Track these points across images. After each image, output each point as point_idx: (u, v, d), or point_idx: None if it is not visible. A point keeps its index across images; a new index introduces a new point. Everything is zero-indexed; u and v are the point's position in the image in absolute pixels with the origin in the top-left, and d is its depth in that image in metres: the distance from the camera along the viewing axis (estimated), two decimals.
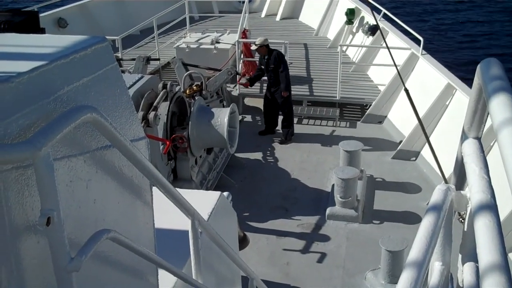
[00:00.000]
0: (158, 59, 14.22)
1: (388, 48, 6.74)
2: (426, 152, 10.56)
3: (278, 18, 20.13)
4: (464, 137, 2.63)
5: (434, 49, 19.35)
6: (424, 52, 12.44)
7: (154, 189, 2.55)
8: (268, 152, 11.54)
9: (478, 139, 2.59)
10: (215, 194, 4.59)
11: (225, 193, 4.91)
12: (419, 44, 12.42)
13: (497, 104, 1.90)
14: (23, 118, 1.58)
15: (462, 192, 2.63)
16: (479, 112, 2.47)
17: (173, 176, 8.90)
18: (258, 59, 12.67)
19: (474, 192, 2.22)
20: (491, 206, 2.09)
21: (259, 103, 12.66)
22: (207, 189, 9.27)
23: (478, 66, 2.34)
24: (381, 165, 10.89)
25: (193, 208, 3.08)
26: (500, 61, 2.37)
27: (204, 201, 4.37)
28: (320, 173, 10.62)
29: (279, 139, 11.98)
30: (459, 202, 2.60)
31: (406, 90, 6.42)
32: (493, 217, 1.98)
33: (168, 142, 8.31)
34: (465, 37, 25.83)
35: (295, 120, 12.60)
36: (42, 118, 1.65)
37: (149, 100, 8.09)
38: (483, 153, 2.49)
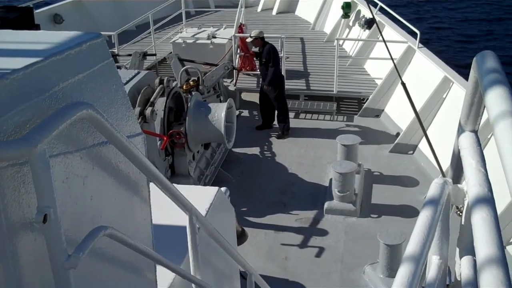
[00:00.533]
0: (155, 55, 14.21)
1: (384, 41, 6.74)
2: (423, 146, 10.57)
3: (274, 12, 20.08)
4: (460, 130, 2.63)
5: (431, 43, 19.35)
6: (420, 45, 12.42)
7: (151, 185, 2.54)
8: (266, 147, 11.55)
9: (475, 132, 2.59)
10: (213, 190, 4.58)
11: (223, 188, 4.91)
12: (415, 38, 12.40)
13: (493, 97, 1.89)
14: (18, 115, 1.57)
15: (459, 185, 2.63)
16: (476, 105, 2.46)
17: (171, 172, 8.90)
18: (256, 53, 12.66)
19: (471, 186, 2.22)
20: (488, 200, 2.09)
21: (256, 97, 12.63)
22: (204, 184, 9.29)
23: (474, 59, 2.33)
24: (378, 159, 10.90)
25: (191, 203, 3.08)
26: (498, 55, 2.37)
27: (202, 196, 4.36)
28: (317, 168, 10.63)
29: (277, 133, 11.97)
30: (456, 195, 2.59)
31: (403, 84, 6.43)
32: (490, 211, 1.98)
33: (165, 138, 8.31)
34: (462, 31, 25.84)
35: (292, 114, 12.60)
36: (38, 115, 1.64)
37: (145, 96, 8.09)
38: (480, 146, 2.49)
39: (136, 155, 2.13)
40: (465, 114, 2.57)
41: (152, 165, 2.33)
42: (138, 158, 2.16)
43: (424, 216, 2.18)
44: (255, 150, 11.40)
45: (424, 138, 8.16)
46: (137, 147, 2.15)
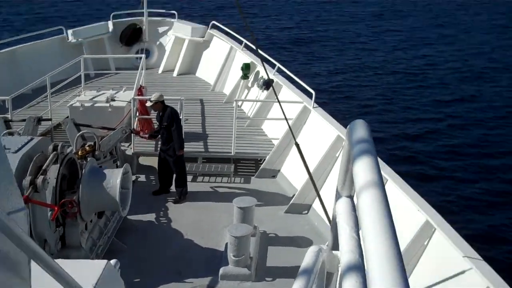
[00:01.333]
0: (50, 119, 13.80)
1: (279, 102, 6.92)
2: (317, 205, 10.73)
3: (175, 73, 19.95)
4: (337, 195, 2.70)
5: (325, 102, 19.85)
6: (315, 105, 12.77)
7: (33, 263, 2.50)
8: (162, 212, 11.35)
9: (351, 197, 2.66)
10: (101, 263, 4.47)
11: (113, 261, 4.80)
12: (311, 98, 12.76)
13: (359, 167, 2.00)
14: None
15: (334, 252, 2.67)
16: (350, 172, 2.51)
17: (61, 244, 8.52)
18: (155, 116, 12.60)
19: (343, 252, 2.25)
20: (358, 267, 2.14)
21: (154, 162, 12.54)
22: (97, 255, 8.99)
23: (347, 128, 2.44)
24: (274, 220, 10.97)
25: (75, 281, 3.02)
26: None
27: (89, 271, 4.25)
28: (214, 232, 10.52)
29: (173, 198, 11.83)
30: (331, 262, 2.64)
31: (297, 144, 6.62)
32: (360, 278, 2.04)
33: (56, 208, 8.03)
34: (355, 89, 26.85)
35: (190, 177, 12.56)
36: None
37: (38, 164, 7.87)
38: (355, 211, 2.54)
39: (17, 233, 2.09)
40: (341, 180, 2.65)
41: (34, 242, 2.30)
42: (18, 237, 2.12)
43: (297, 287, 2.22)
44: (151, 217, 11.16)
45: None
46: (18, 224, 2.12)
